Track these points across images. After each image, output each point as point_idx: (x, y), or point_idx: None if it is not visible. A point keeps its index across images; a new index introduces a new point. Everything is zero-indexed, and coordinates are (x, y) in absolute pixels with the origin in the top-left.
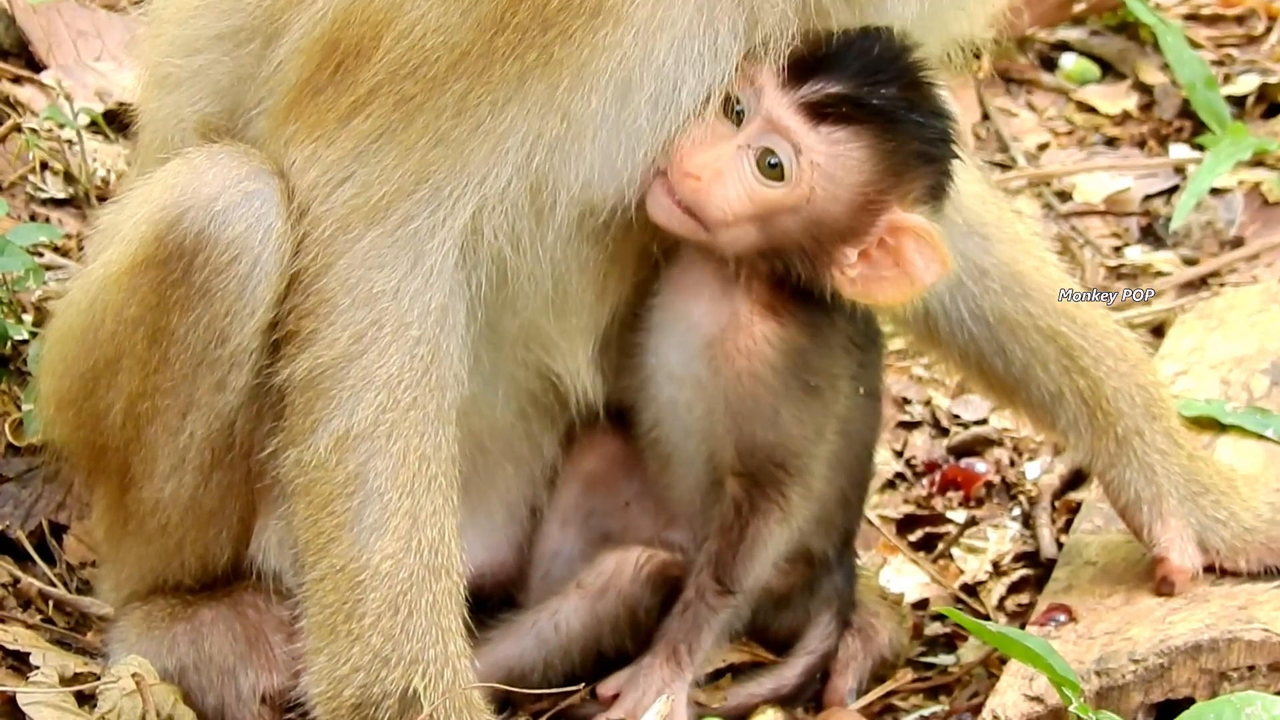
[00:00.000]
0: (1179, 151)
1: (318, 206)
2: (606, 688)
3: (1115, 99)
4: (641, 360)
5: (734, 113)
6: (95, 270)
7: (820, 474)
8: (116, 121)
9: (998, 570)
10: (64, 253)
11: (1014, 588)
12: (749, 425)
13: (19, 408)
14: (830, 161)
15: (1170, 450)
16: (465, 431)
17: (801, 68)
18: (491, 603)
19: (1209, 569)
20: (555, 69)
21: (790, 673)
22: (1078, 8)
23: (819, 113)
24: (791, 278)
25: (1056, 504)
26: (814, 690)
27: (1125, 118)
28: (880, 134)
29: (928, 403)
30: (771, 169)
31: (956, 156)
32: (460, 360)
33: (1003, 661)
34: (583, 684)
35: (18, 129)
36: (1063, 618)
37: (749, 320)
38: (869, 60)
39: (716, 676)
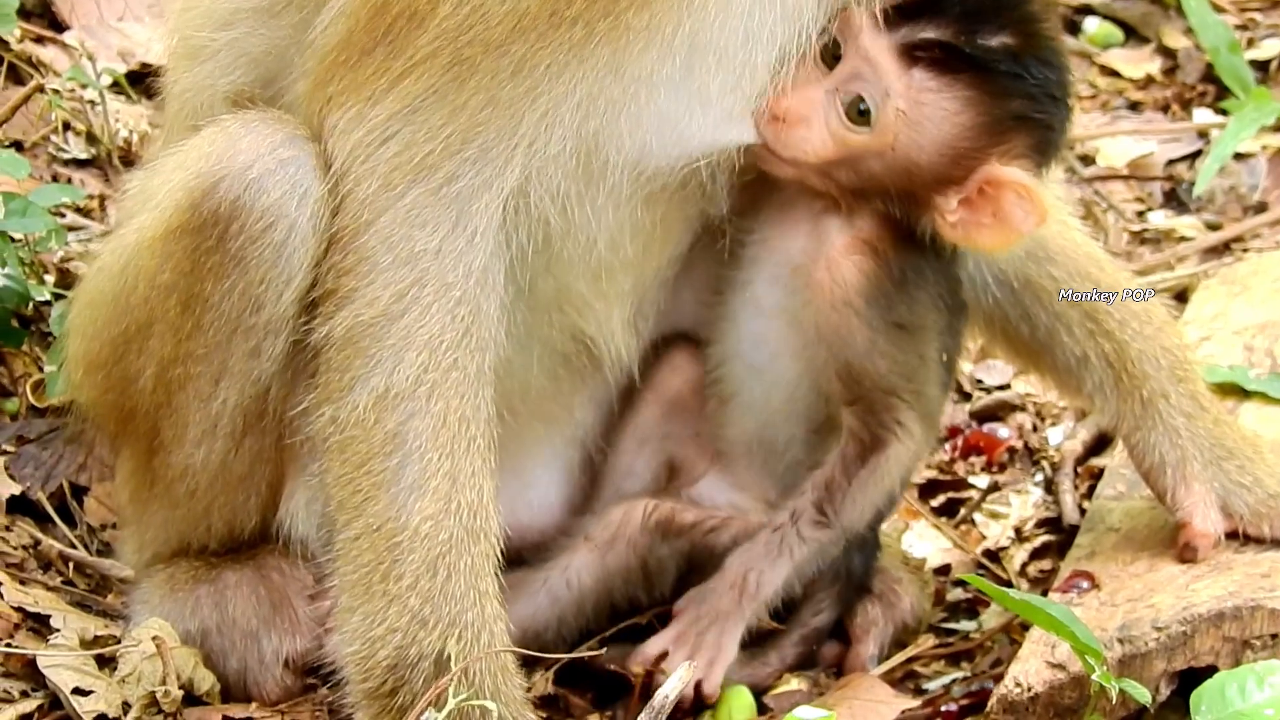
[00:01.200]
0: (1202, 116)
1: (359, 166)
2: (678, 606)
3: (1139, 63)
4: (728, 296)
5: (832, 56)
6: (128, 235)
7: (936, 399)
8: (139, 82)
9: (1020, 536)
10: (86, 213)
11: (1036, 554)
12: (844, 354)
13: (41, 369)
14: (916, 110)
15: (1196, 413)
16: (498, 393)
17: (904, 9)
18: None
19: (1232, 535)
20: (624, 34)
21: (789, 644)
22: None
23: (912, 57)
24: (892, 216)
25: (1079, 469)
26: (832, 657)
27: (1149, 82)
28: (975, 87)
29: None
30: (859, 114)
31: (1068, 112)
32: (499, 321)
33: (1025, 628)
34: (604, 648)
35: (40, 89)
36: (1085, 584)
37: (840, 250)
38: (975, 5)
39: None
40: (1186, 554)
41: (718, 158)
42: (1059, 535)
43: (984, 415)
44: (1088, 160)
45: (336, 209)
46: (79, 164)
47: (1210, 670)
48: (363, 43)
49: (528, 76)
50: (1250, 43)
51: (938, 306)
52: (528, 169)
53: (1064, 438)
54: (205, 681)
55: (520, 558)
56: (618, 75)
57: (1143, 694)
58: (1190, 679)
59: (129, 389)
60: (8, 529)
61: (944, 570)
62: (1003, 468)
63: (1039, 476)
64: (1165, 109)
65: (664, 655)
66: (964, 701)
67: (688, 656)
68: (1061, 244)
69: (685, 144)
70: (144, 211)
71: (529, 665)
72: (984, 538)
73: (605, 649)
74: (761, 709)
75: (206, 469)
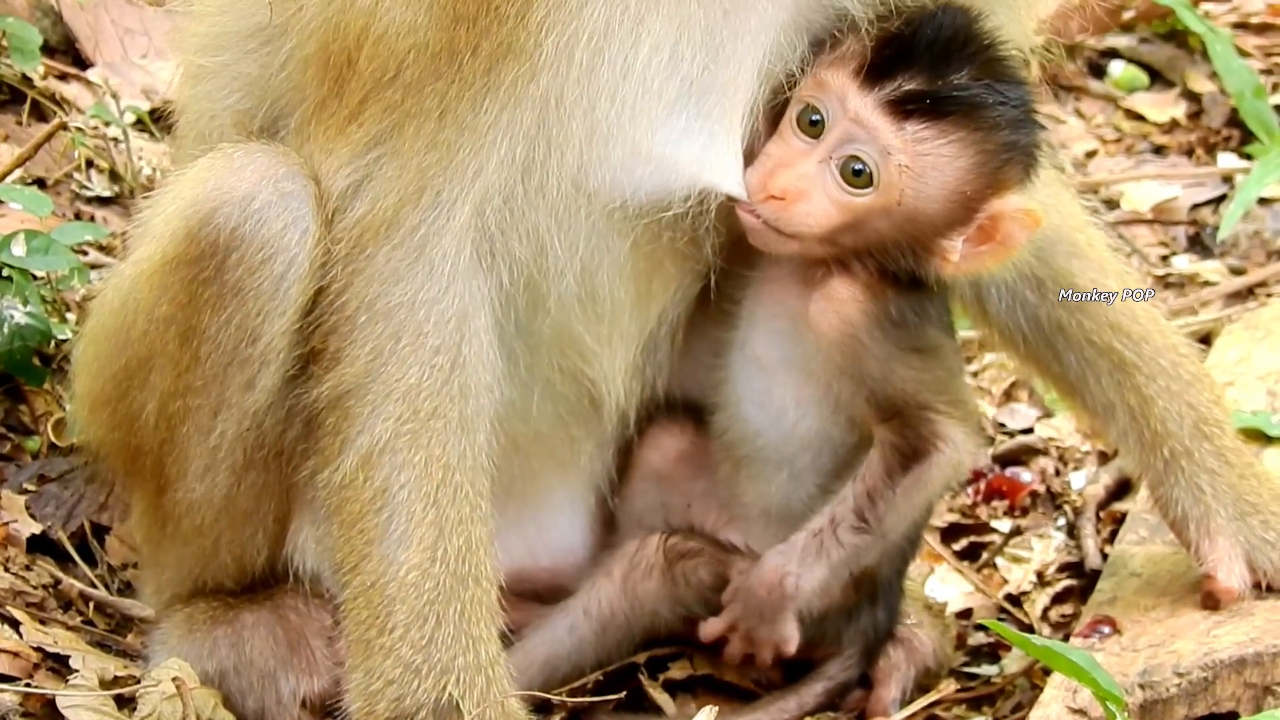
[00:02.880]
0: (1227, 160)
1: (337, 223)
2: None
3: (1163, 107)
4: (726, 358)
5: (810, 123)
6: (126, 269)
7: (972, 399)
8: (162, 119)
9: (1042, 580)
10: (109, 251)
11: (1058, 598)
12: (866, 384)
13: (63, 408)
14: (918, 161)
15: (1220, 470)
16: (507, 436)
17: (876, 67)
18: None
19: (1256, 586)
20: (509, 56)
21: (810, 693)
22: (1127, 15)
23: (903, 111)
24: (896, 270)
25: (1101, 514)
26: (854, 700)
27: (1173, 126)
28: (967, 126)
29: None
30: (857, 176)
31: (1042, 128)
32: (485, 367)
33: (1046, 672)
34: (622, 692)
35: (64, 127)
36: (1107, 630)
37: (835, 292)
38: (940, 47)
39: (745, 697)
40: (1209, 604)
41: (687, 198)
42: (1081, 580)
43: (1007, 459)
44: (1112, 204)
45: (324, 257)
46: (102, 202)
47: (1231, 716)
48: (319, 96)
49: (453, 114)
50: (1275, 87)
51: (949, 333)
52: (481, 205)
53: (1086, 482)
54: None
55: (543, 600)
56: (526, 100)
57: None
58: None
59: (134, 425)
60: (28, 568)
61: (966, 614)
62: (1025, 512)
63: (1061, 521)
64: (1190, 153)
65: (724, 640)
66: None
67: (746, 650)
68: None
69: (614, 167)
70: (142, 244)
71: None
72: (1006, 582)
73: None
74: None
75: (211, 503)
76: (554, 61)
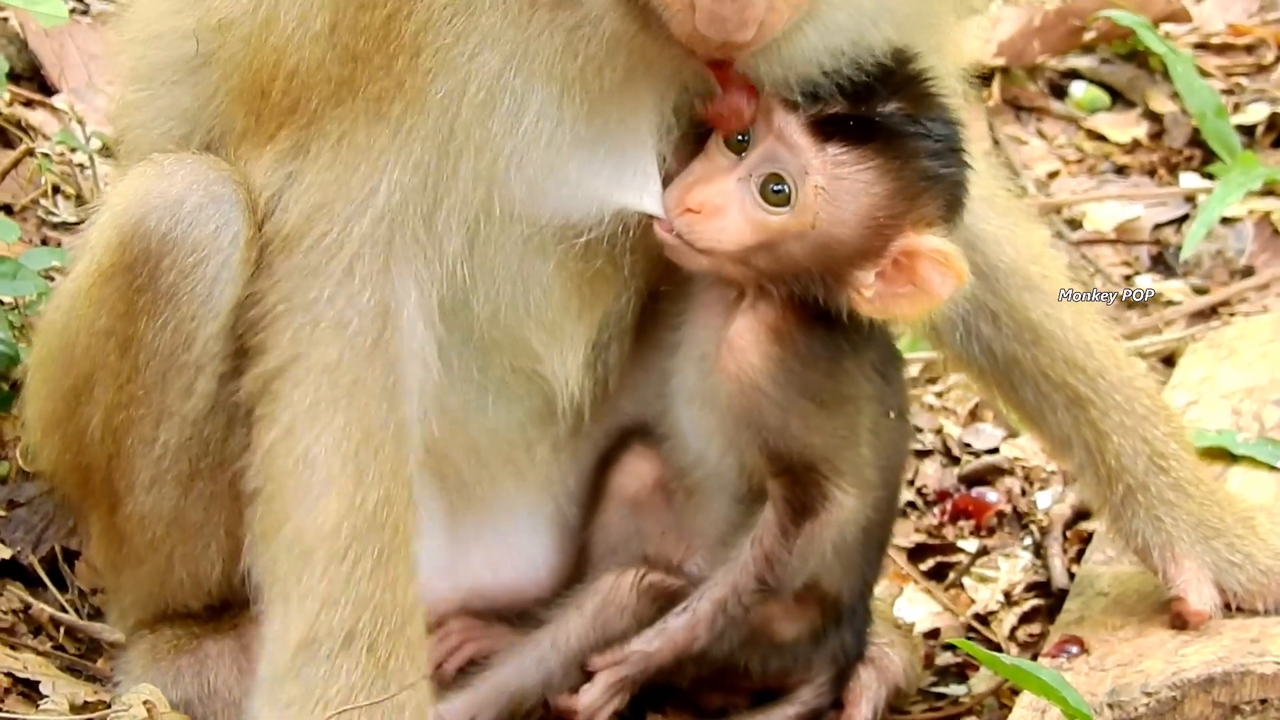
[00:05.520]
0: (1189, 180)
1: (264, 229)
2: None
3: (1125, 127)
4: (664, 388)
5: (737, 140)
6: (66, 286)
7: (868, 464)
8: None
9: (1009, 600)
10: None
11: (1025, 618)
12: (761, 434)
13: None
14: (834, 184)
15: (1178, 501)
16: (462, 445)
17: (803, 91)
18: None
19: (1225, 607)
20: (398, 94)
21: (782, 715)
22: (1087, 36)
23: (825, 133)
24: (808, 299)
25: (1068, 534)
26: None
27: (1135, 146)
28: (886, 154)
29: (939, 431)
30: (775, 194)
31: (968, 167)
32: (413, 353)
33: (1015, 692)
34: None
35: (30, 153)
36: (1075, 649)
37: (741, 335)
38: (866, 79)
39: (717, 716)
40: (1177, 624)
41: (601, 222)
42: (1048, 599)
43: (973, 479)
44: (1075, 224)
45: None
46: (68, 227)
47: None
48: (242, 125)
49: (349, 140)
50: (1236, 107)
51: (869, 375)
52: (386, 227)
53: (1053, 502)
54: None
55: (508, 617)
56: (414, 133)
57: None
58: None
59: (83, 443)
60: None
61: (933, 634)
62: (991, 531)
63: (1028, 540)
64: (1152, 173)
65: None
66: None
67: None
68: (1049, 328)
69: (510, 197)
70: (80, 260)
71: None
72: (973, 601)
73: None
74: None
75: (161, 516)
76: (444, 104)
